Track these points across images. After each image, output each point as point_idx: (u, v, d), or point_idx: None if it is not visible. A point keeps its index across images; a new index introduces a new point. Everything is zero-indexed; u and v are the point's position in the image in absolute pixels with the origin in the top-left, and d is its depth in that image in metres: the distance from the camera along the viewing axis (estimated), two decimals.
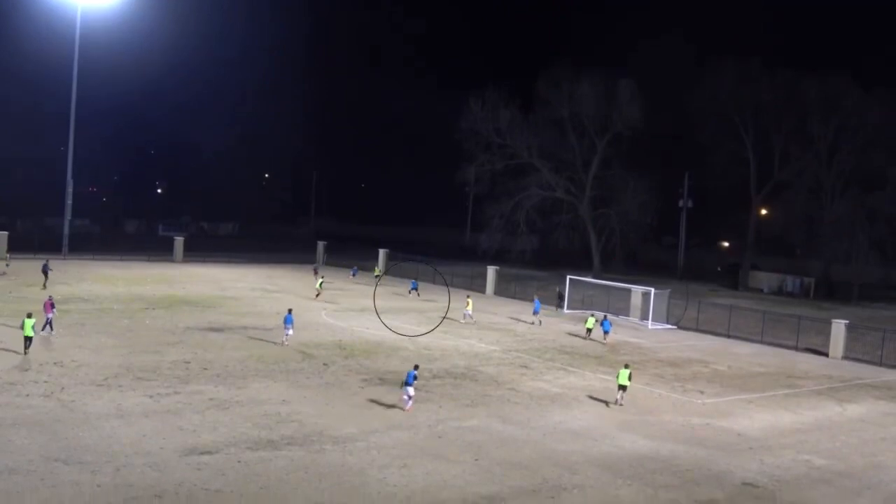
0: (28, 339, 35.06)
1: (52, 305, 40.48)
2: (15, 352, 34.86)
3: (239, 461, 23.63)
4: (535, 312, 54.53)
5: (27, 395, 28.69)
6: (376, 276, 72.71)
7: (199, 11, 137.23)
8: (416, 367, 31.55)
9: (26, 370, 32.16)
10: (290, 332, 40.89)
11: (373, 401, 31.26)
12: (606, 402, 33.56)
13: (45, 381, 30.69)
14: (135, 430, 25.74)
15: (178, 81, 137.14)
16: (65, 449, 23.62)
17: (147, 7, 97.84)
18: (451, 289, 69.45)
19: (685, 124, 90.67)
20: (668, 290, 61.85)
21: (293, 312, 42.34)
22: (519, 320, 55.53)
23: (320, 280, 61.63)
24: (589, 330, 49.03)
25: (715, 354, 47.41)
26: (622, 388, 33.32)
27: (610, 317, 51.91)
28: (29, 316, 35.47)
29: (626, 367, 33.96)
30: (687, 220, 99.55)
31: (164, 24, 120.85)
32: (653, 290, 58.80)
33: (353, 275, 73.84)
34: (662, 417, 31.99)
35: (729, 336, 53.97)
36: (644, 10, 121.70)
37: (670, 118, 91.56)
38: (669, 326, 56.97)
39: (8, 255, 65.83)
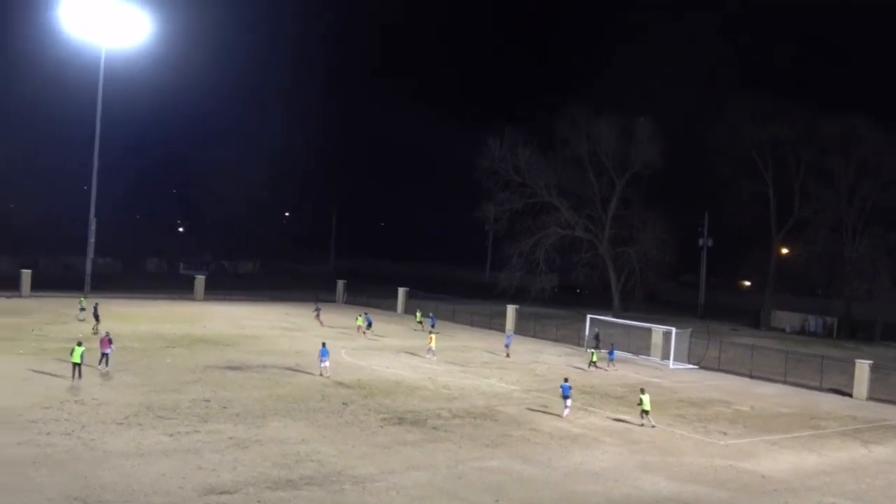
0: (76, 366, 37.11)
1: (110, 342, 41.20)
2: (60, 376, 35.00)
3: (258, 501, 23.51)
4: (507, 346, 55.85)
5: (48, 434, 28.74)
6: (419, 322, 68.35)
7: (218, 53, 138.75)
8: (567, 380, 38.06)
9: (48, 408, 32.22)
10: (327, 363, 42.61)
11: (392, 440, 31.10)
12: (641, 424, 35.73)
13: (66, 420, 30.74)
14: (154, 469, 25.69)
15: (198, 121, 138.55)
16: (84, 488, 23.58)
17: (168, 49, 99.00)
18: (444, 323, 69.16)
19: (704, 162, 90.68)
20: (689, 329, 61.51)
21: (327, 345, 43.82)
22: (537, 361, 55.33)
23: (429, 326, 62.78)
24: (593, 363, 51.93)
25: (737, 394, 46.96)
26: (646, 412, 35.83)
27: (628, 355, 52.37)
28: (79, 344, 37.75)
29: (643, 391, 36.89)
30: (707, 258, 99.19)
31: (185, 67, 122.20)
32: (674, 329, 58.45)
33: (433, 325, 64.99)
34: (684, 458, 31.65)
35: (751, 376, 53.50)
36: (661, 50, 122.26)
37: (689, 156, 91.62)
38: (690, 366, 56.56)
39: (83, 298, 62.99)
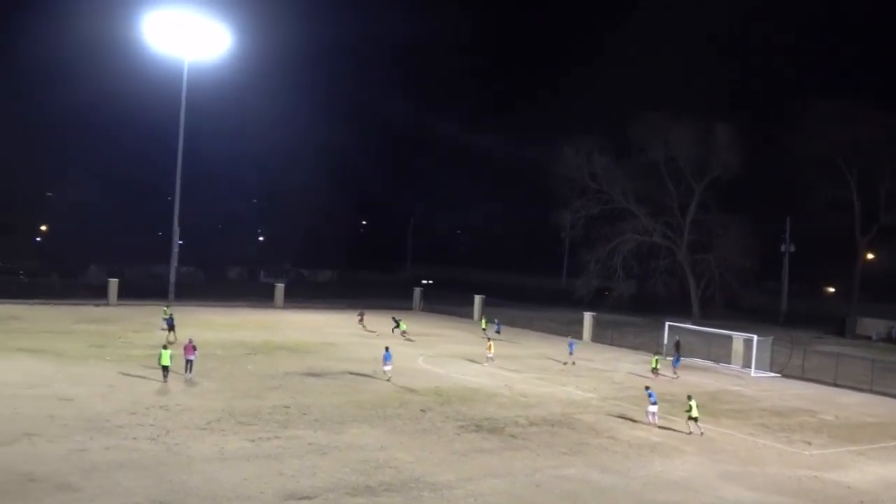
0: (165, 369, 39.59)
1: (194, 348, 41.80)
2: (146, 382, 35.98)
3: None
4: (570, 353, 55.33)
5: (134, 438, 29.52)
6: (484, 329, 68.48)
7: (295, 64, 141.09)
8: (648, 388, 38.10)
9: (134, 413, 33.09)
10: (389, 367, 43.65)
11: (470, 448, 31.17)
12: (689, 432, 35.30)
13: (151, 425, 31.52)
14: (236, 474, 26.18)
15: (277, 132, 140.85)
16: (169, 492, 24.15)
17: (248, 60, 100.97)
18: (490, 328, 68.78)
19: (786, 166, 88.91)
20: (771, 336, 60.30)
21: (390, 350, 45.27)
22: (615, 370, 54.87)
23: (493, 332, 64.73)
24: (655, 370, 50.65)
25: (821, 403, 45.89)
26: (694, 419, 35.53)
27: (709, 363, 51.53)
28: (165, 347, 40.48)
29: (690, 398, 36.42)
30: (789, 264, 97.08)
31: (263, 78, 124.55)
32: (755, 336, 57.39)
33: (497, 331, 67.27)
34: (767, 469, 31.06)
35: (836, 385, 52.20)
36: (741, 52, 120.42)
37: (770, 160, 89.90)
38: (773, 374, 55.46)
39: (167, 307, 62.47)
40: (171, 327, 54.70)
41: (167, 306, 63.77)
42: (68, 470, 25.54)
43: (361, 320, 67.93)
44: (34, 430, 29.79)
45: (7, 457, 26.45)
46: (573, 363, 54.38)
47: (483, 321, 70.42)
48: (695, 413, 35.56)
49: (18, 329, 56.33)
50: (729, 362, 58.25)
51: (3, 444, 27.82)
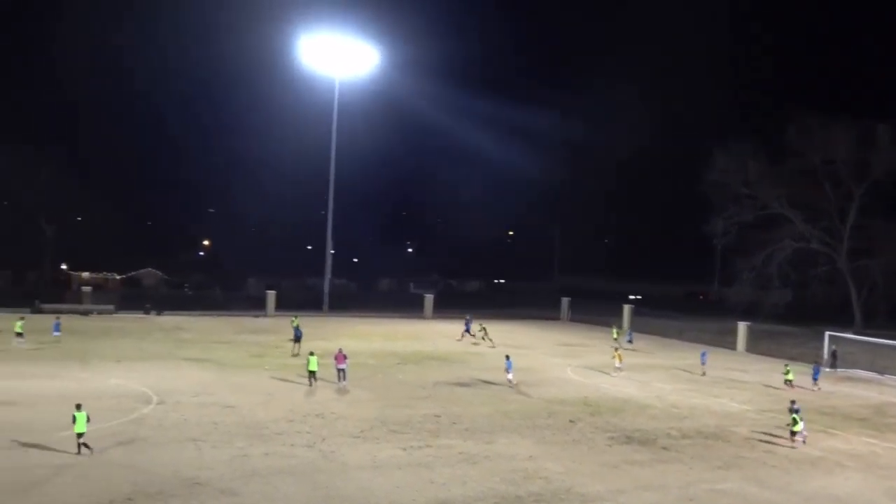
0: (312, 374, 41.66)
1: (345, 357, 43.06)
2: (302, 390, 37.30)
3: None
4: (703, 363, 54.01)
5: (292, 445, 30.55)
6: (615, 339, 66.36)
7: (444, 80, 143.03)
8: (793, 402, 35.95)
9: (291, 421, 34.25)
10: (512, 374, 45.00)
11: (621, 459, 30.80)
12: (793, 446, 33.74)
13: (308, 432, 32.54)
14: (389, 481, 26.72)
15: (426, 147, 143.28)
16: (325, 498, 24.87)
17: (397, 76, 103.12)
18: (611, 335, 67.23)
19: None
20: None
21: (511, 358, 46.43)
22: (769, 385, 53.09)
23: (625, 342, 64.00)
24: (789, 381, 49.07)
25: None
26: (793, 433, 34.19)
27: (873, 375, 49.16)
28: (311, 354, 42.45)
29: (798, 410, 34.87)
30: None
31: (414, 91, 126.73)
32: None
33: (630, 341, 66.63)
34: None
35: None
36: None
37: None
38: None
39: (295, 317, 62.67)
40: (297, 339, 54.14)
41: (295, 317, 63.71)
42: (230, 475, 26.66)
43: (469, 326, 67.53)
44: (200, 436, 31.29)
45: (175, 462, 27.84)
46: (703, 374, 52.93)
47: (614, 331, 68.95)
48: (797, 427, 34.10)
49: (185, 339, 59.28)
50: (895, 374, 55.44)
51: (172, 450, 29.32)
